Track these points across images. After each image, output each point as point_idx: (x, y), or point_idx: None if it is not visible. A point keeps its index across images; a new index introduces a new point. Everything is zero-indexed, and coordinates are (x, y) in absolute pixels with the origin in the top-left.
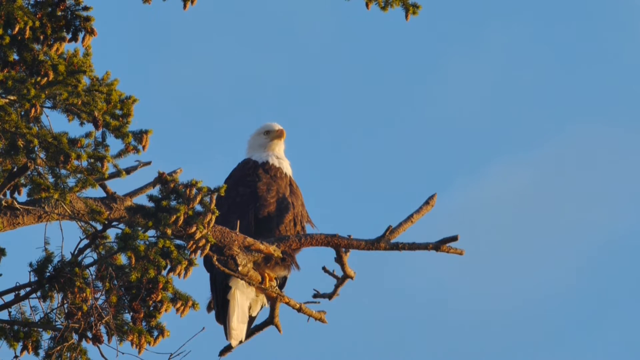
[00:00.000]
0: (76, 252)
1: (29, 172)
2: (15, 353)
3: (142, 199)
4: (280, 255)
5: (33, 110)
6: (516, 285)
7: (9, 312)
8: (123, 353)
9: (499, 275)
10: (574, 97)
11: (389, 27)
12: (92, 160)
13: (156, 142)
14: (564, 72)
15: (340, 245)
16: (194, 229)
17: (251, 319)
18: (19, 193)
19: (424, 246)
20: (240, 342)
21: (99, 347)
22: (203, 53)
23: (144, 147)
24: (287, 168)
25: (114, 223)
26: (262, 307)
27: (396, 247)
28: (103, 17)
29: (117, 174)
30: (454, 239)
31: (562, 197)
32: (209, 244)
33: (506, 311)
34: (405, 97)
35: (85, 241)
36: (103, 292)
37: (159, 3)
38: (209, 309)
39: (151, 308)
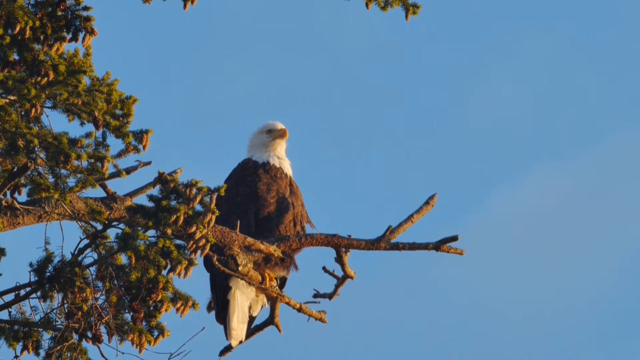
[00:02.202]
0: (76, 252)
1: (29, 172)
2: (15, 353)
3: (142, 199)
4: (280, 255)
5: (33, 110)
6: (550, 293)
7: (9, 312)
8: (123, 353)
9: (533, 282)
10: (615, 106)
11: (428, 34)
12: (92, 160)
13: (156, 142)
14: (606, 80)
15: (340, 245)
16: (194, 228)
17: (251, 319)
18: (19, 193)
19: (424, 246)
20: (240, 342)
21: (99, 347)
22: (202, 52)
23: (144, 147)
24: (287, 168)
25: (114, 223)
26: (262, 307)
27: (396, 247)
28: (103, 17)
29: (117, 174)
30: (454, 238)
31: (601, 205)
32: (209, 244)
33: (540, 317)
34: (446, 103)
35: (86, 241)
36: (103, 292)
37: (159, 3)
38: (209, 309)
39: (151, 308)
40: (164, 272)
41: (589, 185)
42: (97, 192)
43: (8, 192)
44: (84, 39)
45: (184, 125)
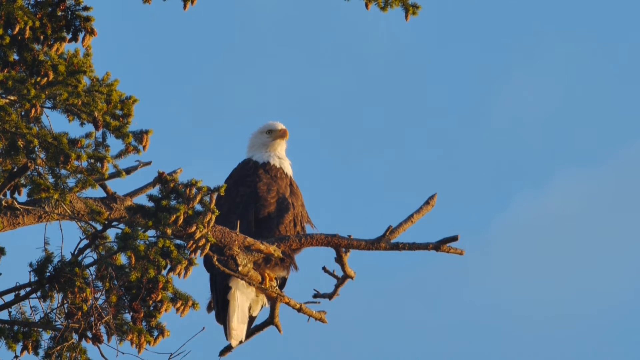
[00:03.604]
0: (76, 252)
1: (29, 172)
2: (15, 353)
3: (142, 199)
4: (280, 255)
5: (33, 111)
6: (571, 297)
7: (9, 312)
8: (123, 353)
9: (554, 286)
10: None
11: (451, 39)
12: (92, 161)
13: (156, 142)
14: (631, 85)
15: (340, 245)
16: (193, 228)
17: (251, 319)
18: (19, 193)
19: (424, 246)
20: (240, 342)
21: (99, 347)
22: (202, 52)
23: (144, 147)
24: (287, 168)
25: (114, 223)
26: (262, 307)
27: (396, 247)
28: (103, 17)
29: (117, 174)
30: (454, 239)
31: (624, 211)
32: (209, 244)
33: (561, 321)
34: (470, 108)
35: (85, 241)
36: (103, 292)
37: (159, 3)
38: (209, 309)
39: (151, 308)
40: (164, 272)
41: (612, 191)
42: (97, 192)
43: (8, 192)
44: (84, 39)
45: (184, 125)
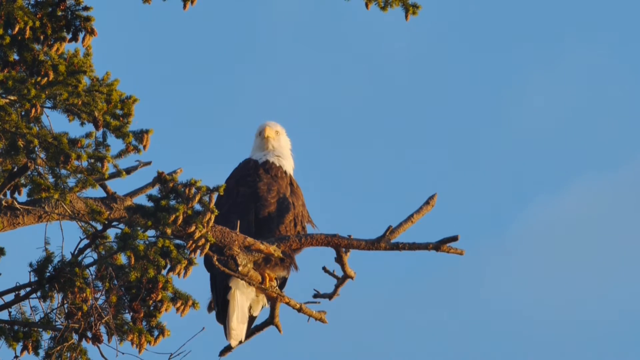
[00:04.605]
0: (76, 252)
1: (29, 172)
2: (15, 353)
3: (142, 199)
4: (280, 255)
5: (33, 111)
6: (588, 302)
7: (9, 312)
8: (123, 353)
9: (571, 291)
10: None
11: (468, 44)
12: (92, 161)
13: (156, 142)
14: None
15: (340, 245)
16: (193, 228)
17: (252, 318)
18: (19, 193)
19: (424, 246)
20: (240, 342)
21: (99, 347)
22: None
23: (144, 147)
24: (287, 166)
25: (114, 223)
26: (262, 307)
27: (396, 247)
28: (103, 17)
29: (117, 174)
30: (454, 239)
31: None
32: (209, 244)
33: (577, 325)
34: (489, 112)
35: (85, 241)
36: (103, 292)
37: (159, 3)
38: (209, 309)
39: (151, 308)
40: (164, 272)
41: (630, 195)
42: (97, 192)
43: (8, 192)
44: (84, 39)
45: (184, 125)
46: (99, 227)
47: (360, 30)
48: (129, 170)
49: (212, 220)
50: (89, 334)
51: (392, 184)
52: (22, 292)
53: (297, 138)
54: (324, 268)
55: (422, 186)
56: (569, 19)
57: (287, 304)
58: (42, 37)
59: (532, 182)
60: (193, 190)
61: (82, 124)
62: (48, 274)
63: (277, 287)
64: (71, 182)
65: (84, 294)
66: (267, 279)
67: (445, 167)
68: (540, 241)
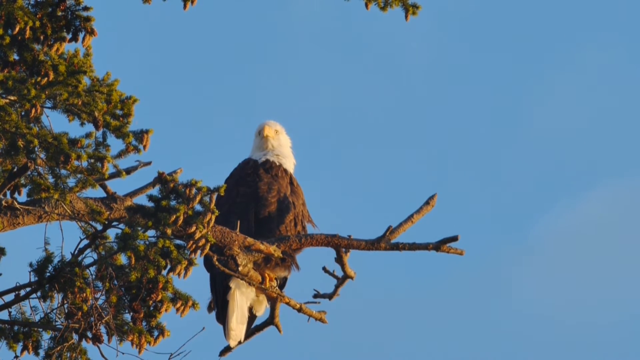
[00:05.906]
0: (76, 252)
1: (29, 172)
2: (15, 353)
3: (142, 199)
4: (281, 255)
5: (33, 111)
6: (609, 305)
7: (9, 312)
8: (123, 353)
9: (593, 294)
10: None
11: (488, 47)
12: (92, 161)
13: (156, 142)
14: None
15: (340, 245)
16: (193, 228)
17: (253, 318)
18: (19, 193)
19: (424, 246)
20: (240, 342)
21: (99, 347)
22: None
23: (144, 147)
24: (287, 165)
25: (114, 223)
26: (266, 307)
27: (396, 247)
28: (103, 17)
29: (117, 174)
30: (454, 239)
31: None
32: (209, 244)
33: (596, 327)
34: (509, 116)
35: (85, 241)
36: (103, 292)
37: (159, 3)
38: (209, 309)
39: (151, 308)
40: (164, 272)
41: None
42: (97, 192)
43: (8, 192)
44: (84, 39)
45: (184, 125)
46: (99, 227)
47: (377, 35)
48: (129, 171)
49: (213, 221)
50: (89, 334)
51: (392, 184)
52: (22, 292)
53: (297, 138)
54: (324, 268)
55: (437, 188)
56: (591, 24)
57: (287, 304)
58: (42, 37)
59: (555, 186)
60: (194, 190)
61: (82, 124)
62: (48, 274)
63: (277, 287)
64: (71, 182)
65: (84, 294)
66: (267, 279)
67: (468, 170)
68: (563, 244)
